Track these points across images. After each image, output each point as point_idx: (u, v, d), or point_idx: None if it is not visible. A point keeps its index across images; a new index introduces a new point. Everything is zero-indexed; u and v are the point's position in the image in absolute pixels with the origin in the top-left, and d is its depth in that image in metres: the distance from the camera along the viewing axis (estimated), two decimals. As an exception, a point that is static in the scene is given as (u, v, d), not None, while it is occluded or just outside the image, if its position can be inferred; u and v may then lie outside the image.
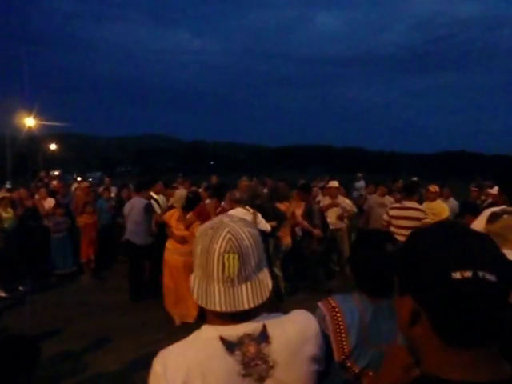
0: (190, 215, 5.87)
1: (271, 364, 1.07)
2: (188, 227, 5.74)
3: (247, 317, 1.09)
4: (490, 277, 0.71)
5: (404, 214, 5.83)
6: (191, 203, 5.98)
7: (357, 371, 1.68)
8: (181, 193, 6.73)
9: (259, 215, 5.58)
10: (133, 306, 6.19)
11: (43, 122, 34.97)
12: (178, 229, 5.84)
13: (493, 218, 1.58)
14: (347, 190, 10.10)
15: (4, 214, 6.99)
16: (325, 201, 7.87)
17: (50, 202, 8.50)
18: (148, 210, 6.64)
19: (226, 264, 1.05)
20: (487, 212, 1.65)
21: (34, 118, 32.44)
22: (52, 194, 9.36)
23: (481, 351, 0.74)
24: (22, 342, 1.90)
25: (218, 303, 1.05)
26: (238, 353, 1.05)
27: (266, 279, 1.13)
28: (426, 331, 0.77)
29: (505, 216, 1.56)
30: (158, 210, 7.14)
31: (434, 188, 7.39)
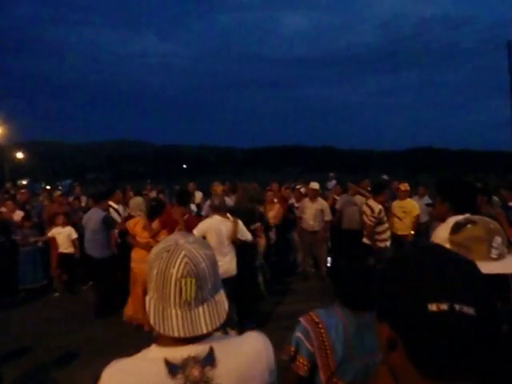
0: (155, 224, 5.67)
1: None
2: (154, 236, 5.56)
3: (198, 338, 1.08)
4: (468, 310, 0.68)
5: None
6: (155, 211, 5.81)
7: None
8: (136, 201, 6.65)
9: (240, 223, 5.31)
10: (106, 319, 6.03)
11: (8, 130, 33.95)
12: (142, 237, 5.66)
13: (456, 228, 1.55)
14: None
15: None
16: (303, 202, 7.90)
17: (18, 215, 8.22)
18: (106, 221, 6.36)
19: (184, 288, 1.04)
20: (450, 221, 1.62)
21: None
22: (22, 206, 9.06)
23: None
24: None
25: (175, 328, 1.03)
26: (180, 376, 1.04)
27: (222, 300, 1.13)
28: (402, 360, 0.74)
29: (468, 226, 1.53)
30: (118, 219, 6.98)
31: (404, 186, 7.51)
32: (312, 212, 7.65)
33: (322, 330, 1.71)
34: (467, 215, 1.68)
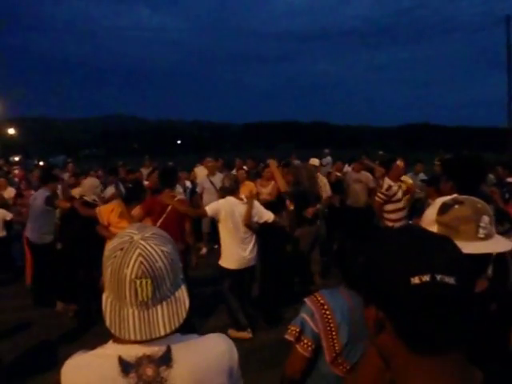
0: (136, 211, 4.82)
1: None
2: None
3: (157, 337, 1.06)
4: (449, 279, 0.71)
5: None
6: (133, 194, 5.13)
7: (348, 367, 1.69)
8: (90, 182, 5.72)
9: (256, 204, 4.90)
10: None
11: (-1, 106, 33.43)
12: (119, 227, 4.61)
13: (444, 209, 1.55)
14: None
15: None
16: None
17: (10, 192, 8.17)
18: (49, 203, 5.76)
19: (139, 290, 1.01)
20: (438, 202, 1.61)
21: (-11, 101, 30.93)
22: (18, 184, 8.98)
23: (447, 358, 0.73)
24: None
25: (132, 331, 1.02)
26: (132, 375, 1.02)
27: (182, 297, 1.09)
28: (392, 339, 0.76)
29: (456, 206, 1.53)
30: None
31: (400, 163, 7.51)
32: None
33: (327, 312, 1.71)
34: (454, 195, 1.67)
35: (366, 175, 8.17)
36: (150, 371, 1.03)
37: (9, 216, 7.06)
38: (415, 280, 0.71)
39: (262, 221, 4.86)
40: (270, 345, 4.51)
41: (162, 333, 1.03)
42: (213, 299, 5.35)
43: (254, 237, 4.87)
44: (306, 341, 1.74)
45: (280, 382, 1.84)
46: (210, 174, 8.54)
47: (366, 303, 0.82)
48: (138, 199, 5.00)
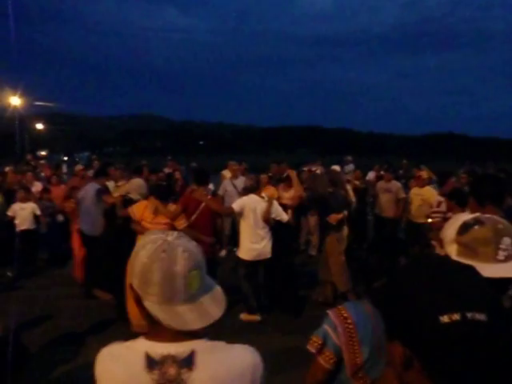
0: (174, 207, 5.17)
1: None
2: (174, 219, 5.06)
3: (192, 335, 1.09)
4: (480, 316, 0.68)
5: None
6: (167, 192, 5.40)
7: (368, 382, 1.67)
8: (138, 182, 5.86)
9: (275, 203, 5.30)
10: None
11: (29, 101, 34.23)
12: (156, 223, 4.92)
13: (463, 229, 1.51)
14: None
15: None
16: None
17: (37, 187, 8.36)
18: (100, 196, 6.01)
19: (191, 282, 1.07)
20: (458, 221, 1.58)
21: (20, 96, 31.72)
22: (47, 180, 9.17)
23: None
24: (12, 343, 1.88)
25: (189, 321, 1.05)
26: (156, 372, 1.05)
27: (219, 288, 1.17)
28: (420, 377, 0.73)
29: (475, 227, 1.48)
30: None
31: (425, 174, 7.45)
32: None
33: (350, 326, 1.69)
34: (477, 214, 1.63)
35: (396, 185, 8.09)
36: (172, 371, 1.05)
37: (38, 211, 7.27)
38: (444, 319, 0.68)
39: (278, 218, 5.28)
40: (273, 353, 4.46)
41: (216, 317, 1.08)
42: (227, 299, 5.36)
43: (269, 233, 5.25)
44: (327, 353, 1.73)
45: None
46: (233, 177, 8.59)
47: (390, 338, 0.78)
48: (170, 196, 5.40)
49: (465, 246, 1.49)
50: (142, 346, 1.09)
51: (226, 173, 9.73)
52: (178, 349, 1.07)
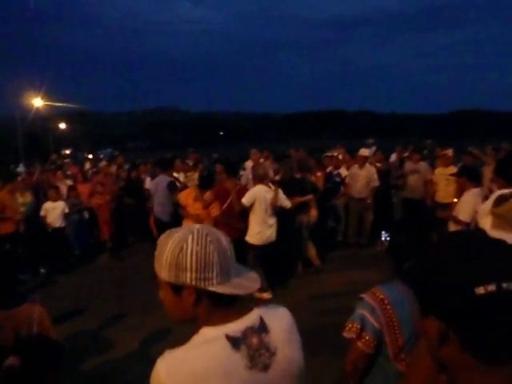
0: (207, 194, 5.77)
1: (273, 351, 1.14)
2: (206, 207, 5.72)
3: (245, 310, 1.16)
4: None
5: None
6: (207, 182, 5.99)
7: None
8: (194, 175, 6.71)
9: (280, 192, 5.62)
10: (151, 283, 6.26)
11: (51, 103, 34.93)
12: (195, 208, 5.75)
13: (499, 201, 1.54)
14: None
15: (21, 199, 7.08)
16: (353, 169, 7.82)
17: (65, 185, 8.59)
18: (171, 187, 6.81)
19: (232, 254, 1.16)
20: (495, 194, 1.60)
21: (42, 98, 32.40)
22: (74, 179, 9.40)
23: None
24: (48, 341, 1.93)
25: (249, 287, 1.14)
26: (243, 347, 1.09)
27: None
28: (457, 351, 0.74)
29: (511, 199, 1.52)
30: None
31: (449, 153, 7.27)
32: (362, 179, 7.64)
33: (388, 307, 1.68)
34: None
35: (424, 166, 7.95)
36: (255, 340, 1.12)
37: (67, 209, 7.51)
38: (480, 290, 0.69)
39: (282, 205, 5.64)
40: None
41: (259, 281, 1.18)
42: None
43: (275, 219, 5.62)
44: (367, 337, 1.71)
45: (339, 379, 1.82)
46: (256, 165, 8.60)
47: (424, 313, 0.79)
48: (210, 186, 5.91)
49: (499, 216, 1.51)
50: (217, 333, 1.10)
51: (249, 163, 9.77)
52: (250, 319, 1.15)
